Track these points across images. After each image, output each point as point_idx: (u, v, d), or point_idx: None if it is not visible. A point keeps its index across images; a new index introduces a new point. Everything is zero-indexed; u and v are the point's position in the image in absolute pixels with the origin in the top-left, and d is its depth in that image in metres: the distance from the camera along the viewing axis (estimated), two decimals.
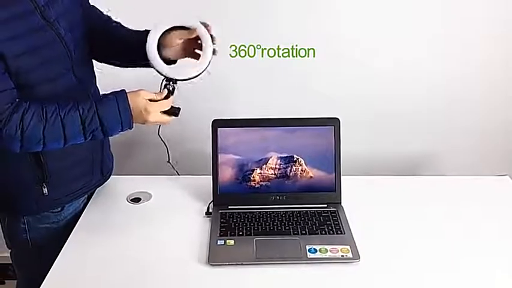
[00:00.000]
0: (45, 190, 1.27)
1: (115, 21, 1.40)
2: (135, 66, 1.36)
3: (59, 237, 1.31)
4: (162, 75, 1.23)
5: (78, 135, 1.15)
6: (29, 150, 1.14)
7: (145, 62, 1.25)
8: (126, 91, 1.19)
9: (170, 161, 1.55)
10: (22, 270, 1.44)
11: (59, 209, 1.34)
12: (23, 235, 1.33)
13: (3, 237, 1.39)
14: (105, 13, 1.41)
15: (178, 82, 1.23)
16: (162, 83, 1.23)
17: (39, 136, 1.11)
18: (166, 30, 1.25)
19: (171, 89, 1.23)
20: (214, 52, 1.25)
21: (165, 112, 1.22)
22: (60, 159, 1.26)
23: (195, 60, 1.26)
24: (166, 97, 1.22)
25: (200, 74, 1.24)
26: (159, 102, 1.20)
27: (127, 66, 1.40)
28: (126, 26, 1.38)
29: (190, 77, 1.23)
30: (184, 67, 1.25)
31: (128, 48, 1.30)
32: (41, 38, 1.14)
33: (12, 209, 1.33)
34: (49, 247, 1.28)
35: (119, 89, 1.20)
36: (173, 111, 1.23)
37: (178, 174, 1.59)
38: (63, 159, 1.27)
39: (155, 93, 1.21)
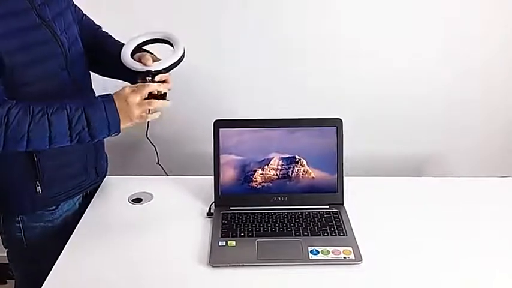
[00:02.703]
0: (38, 188, 1.27)
1: (104, 32, 1.45)
2: (116, 78, 1.38)
3: (54, 236, 1.32)
4: (138, 72, 1.24)
5: (64, 136, 1.13)
6: (12, 147, 1.11)
7: (124, 76, 1.30)
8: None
9: (159, 162, 1.54)
10: (19, 269, 1.44)
11: (54, 207, 1.34)
12: (17, 234, 1.33)
13: (1, 237, 1.40)
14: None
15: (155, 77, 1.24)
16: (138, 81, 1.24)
17: (23, 131, 1.09)
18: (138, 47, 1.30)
19: (149, 79, 1.23)
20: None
21: (153, 97, 1.21)
22: (53, 158, 1.26)
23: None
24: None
25: (173, 64, 1.25)
26: (138, 86, 1.19)
27: (108, 76, 1.43)
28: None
29: (164, 67, 1.24)
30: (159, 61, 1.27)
31: (111, 60, 1.33)
32: (36, 36, 1.16)
33: (7, 208, 1.33)
34: (44, 246, 1.29)
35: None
36: (161, 96, 1.23)
37: (167, 175, 1.60)
38: (56, 158, 1.27)
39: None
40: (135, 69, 1.24)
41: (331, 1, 1.77)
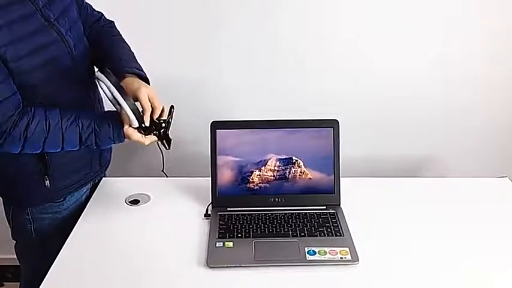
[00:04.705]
0: (47, 182, 1.31)
1: (106, 24, 1.43)
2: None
3: (62, 227, 1.36)
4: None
5: (74, 147, 1.23)
6: (26, 152, 1.19)
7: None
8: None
9: (164, 170, 1.53)
10: (26, 262, 1.47)
11: (61, 199, 1.38)
12: (27, 225, 1.37)
13: (9, 229, 1.43)
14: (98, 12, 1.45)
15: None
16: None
17: (39, 145, 1.18)
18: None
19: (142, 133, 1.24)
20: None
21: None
22: (62, 156, 1.29)
23: None
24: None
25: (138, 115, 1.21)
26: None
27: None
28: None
29: (136, 126, 1.22)
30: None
31: (106, 59, 1.33)
32: (43, 39, 1.16)
33: (17, 201, 1.37)
34: (52, 238, 1.33)
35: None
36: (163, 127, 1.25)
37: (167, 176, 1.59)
38: (65, 155, 1.29)
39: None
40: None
41: (330, 1, 1.77)
